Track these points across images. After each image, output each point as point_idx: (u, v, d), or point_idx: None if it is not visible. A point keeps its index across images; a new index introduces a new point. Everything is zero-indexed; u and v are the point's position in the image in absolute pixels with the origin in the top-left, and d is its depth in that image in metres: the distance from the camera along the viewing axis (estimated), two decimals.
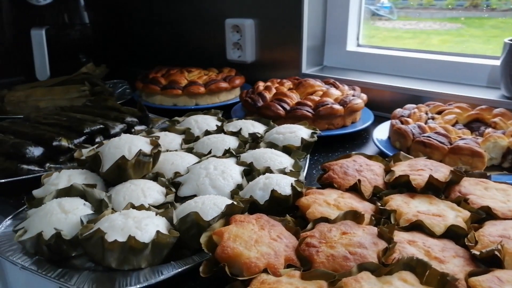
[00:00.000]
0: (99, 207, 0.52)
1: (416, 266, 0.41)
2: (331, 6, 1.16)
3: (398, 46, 1.15)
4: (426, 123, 0.78)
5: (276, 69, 1.20)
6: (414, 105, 0.85)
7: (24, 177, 0.66)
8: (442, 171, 0.59)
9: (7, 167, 0.66)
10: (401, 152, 0.66)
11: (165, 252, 0.46)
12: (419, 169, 0.60)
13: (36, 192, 0.57)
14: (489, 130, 0.73)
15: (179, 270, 0.45)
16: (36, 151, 0.68)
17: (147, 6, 1.46)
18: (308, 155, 0.73)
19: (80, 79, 1.11)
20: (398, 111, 0.83)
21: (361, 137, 0.88)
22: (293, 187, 0.54)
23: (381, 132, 0.83)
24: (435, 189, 0.57)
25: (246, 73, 1.22)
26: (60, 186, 0.56)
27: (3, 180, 0.65)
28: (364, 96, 0.92)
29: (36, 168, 0.67)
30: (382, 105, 1.02)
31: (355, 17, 1.18)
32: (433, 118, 0.80)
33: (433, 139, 0.68)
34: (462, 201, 0.53)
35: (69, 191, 0.54)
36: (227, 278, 0.41)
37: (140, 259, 0.45)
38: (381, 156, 0.66)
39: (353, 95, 0.90)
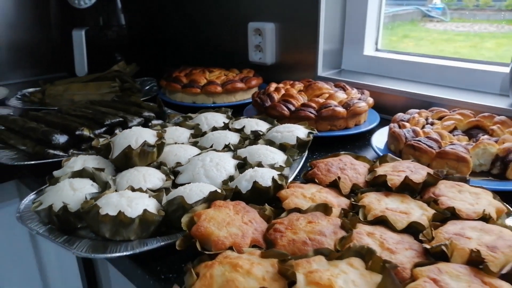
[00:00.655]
0: (104, 188, 0.60)
1: (365, 254, 0.45)
2: (350, 11, 1.19)
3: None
4: (423, 127, 0.80)
5: (294, 71, 1.25)
6: (416, 110, 0.87)
7: (50, 160, 0.75)
8: (421, 173, 0.62)
9: (37, 151, 0.77)
10: (389, 154, 0.69)
11: (152, 228, 0.54)
12: (400, 170, 0.63)
13: (55, 173, 0.66)
14: (485, 137, 0.74)
15: (162, 243, 0.52)
16: (61, 138, 0.78)
17: (178, 10, 1.56)
18: (306, 154, 0.78)
19: (112, 76, 1.22)
20: (399, 115, 0.85)
21: (364, 139, 0.91)
22: (273, 180, 0.60)
23: (383, 135, 0.86)
24: (411, 189, 0.60)
25: (266, 74, 1.29)
26: (75, 168, 0.65)
27: (33, 162, 0.75)
28: (370, 100, 0.95)
29: (61, 153, 0.77)
30: (395, 110, 1.03)
31: (374, 22, 1.20)
32: (432, 124, 0.82)
33: (423, 143, 0.71)
34: (432, 202, 0.56)
35: (81, 173, 0.63)
36: (198, 252, 0.47)
37: (129, 232, 0.52)
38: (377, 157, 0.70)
39: (359, 99, 0.94)
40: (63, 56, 1.44)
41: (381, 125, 0.93)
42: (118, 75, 1.22)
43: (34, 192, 0.65)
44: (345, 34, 1.22)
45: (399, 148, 0.76)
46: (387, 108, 1.06)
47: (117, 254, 0.50)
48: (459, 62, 1.06)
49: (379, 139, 0.84)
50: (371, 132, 0.90)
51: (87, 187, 0.59)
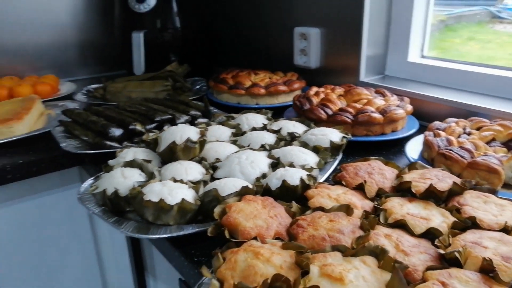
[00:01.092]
0: (150, 177, 0.68)
1: (379, 253, 0.49)
2: (395, 17, 1.20)
3: None
4: (458, 137, 0.80)
5: (337, 75, 1.28)
6: (455, 119, 0.87)
7: (106, 150, 0.85)
8: (448, 182, 0.63)
9: (96, 142, 0.87)
10: (419, 161, 0.71)
11: (189, 216, 0.60)
12: (427, 178, 0.65)
13: (110, 162, 0.75)
14: None
15: (196, 229, 0.58)
16: (117, 131, 0.87)
17: (229, 14, 1.64)
18: (339, 156, 0.82)
19: (165, 75, 1.31)
20: (435, 123, 0.86)
21: (401, 145, 0.92)
22: (301, 180, 0.64)
23: (419, 142, 0.87)
24: (436, 197, 0.62)
25: (310, 78, 1.33)
26: (126, 159, 0.73)
27: (92, 151, 0.85)
28: (409, 107, 0.96)
29: (116, 145, 0.86)
30: (437, 118, 1.02)
31: (420, 28, 1.19)
32: (469, 134, 0.82)
33: (454, 152, 0.72)
34: (454, 210, 0.57)
35: (131, 163, 0.71)
36: (226, 239, 0.53)
37: (169, 217, 0.59)
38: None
39: (398, 106, 0.95)
40: (124, 55, 1.56)
41: (420, 132, 0.93)
42: (171, 75, 1.31)
43: (92, 178, 0.75)
44: (390, 40, 1.23)
45: (431, 156, 0.77)
46: (429, 116, 1.05)
47: (157, 236, 0.57)
48: (508, 71, 1.04)
49: (415, 146, 0.85)
50: (408, 138, 0.91)
51: (135, 176, 0.67)
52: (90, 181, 0.74)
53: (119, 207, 0.64)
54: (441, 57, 1.19)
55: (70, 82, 1.49)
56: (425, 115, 1.06)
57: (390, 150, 0.91)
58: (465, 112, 0.98)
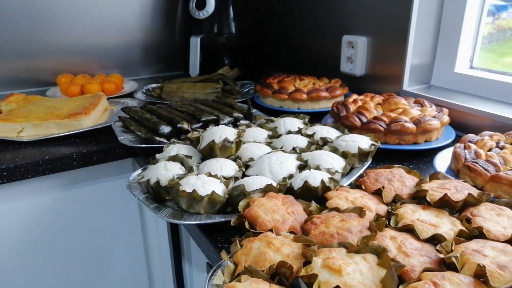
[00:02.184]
0: (189, 171, 0.77)
1: (380, 252, 0.53)
2: (444, 26, 1.19)
3: None
4: (490, 150, 0.81)
5: (381, 83, 1.30)
6: (490, 132, 0.87)
7: (156, 145, 0.96)
8: (464, 193, 0.65)
9: (148, 138, 0.98)
10: (441, 172, 0.73)
11: (218, 207, 0.68)
12: (445, 188, 0.67)
13: (157, 156, 0.85)
14: None
15: (222, 219, 0.66)
16: (166, 129, 0.97)
17: (280, 21, 1.71)
18: (368, 162, 0.85)
19: (216, 78, 1.41)
20: (469, 136, 0.87)
21: (433, 155, 0.93)
22: (322, 182, 0.70)
23: (451, 154, 0.88)
24: (451, 207, 0.64)
25: (355, 85, 1.36)
26: (171, 154, 0.83)
27: (144, 146, 0.97)
28: (445, 118, 0.97)
29: (165, 141, 0.97)
30: (480, 130, 1.02)
31: (470, 38, 1.18)
32: (502, 148, 0.82)
33: (479, 165, 0.73)
34: (464, 220, 0.60)
35: (174, 158, 0.81)
36: (246, 229, 0.60)
37: (200, 207, 0.67)
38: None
39: (434, 116, 0.96)
40: (182, 57, 1.69)
41: (455, 143, 0.94)
42: (222, 78, 1.41)
43: (141, 169, 0.85)
44: (438, 49, 1.23)
45: (457, 167, 0.78)
46: (471, 128, 1.05)
47: (188, 222, 0.65)
48: None
49: (446, 157, 0.87)
50: (441, 149, 0.92)
51: (176, 169, 0.76)
52: (138, 171, 0.85)
53: (160, 195, 0.74)
54: (490, 69, 1.17)
55: (133, 81, 1.64)
56: (467, 127, 1.06)
57: (422, 159, 0.93)
58: (508, 126, 0.96)
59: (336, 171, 0.77)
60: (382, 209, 0.66)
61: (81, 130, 1.11)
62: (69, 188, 1.09)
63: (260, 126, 1.01)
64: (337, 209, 0.64)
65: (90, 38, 1.67)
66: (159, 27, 1.80)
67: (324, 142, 0.90)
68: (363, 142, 0.86)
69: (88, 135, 1.12)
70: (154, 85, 1.50)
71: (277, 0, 1.72)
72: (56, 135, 1.09)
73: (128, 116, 1.09)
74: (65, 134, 1.10)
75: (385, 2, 1.22)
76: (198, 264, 0.87)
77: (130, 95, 1.45)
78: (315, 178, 0.71)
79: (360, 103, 1.05)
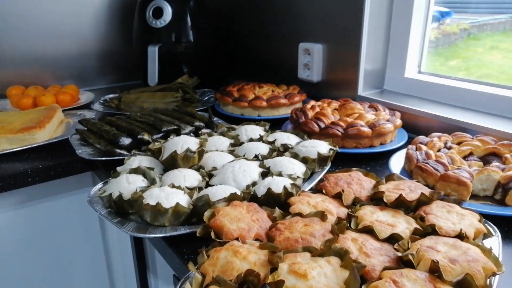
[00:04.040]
0: (152, 183, 0.76)
1: (343, 254, 0.55)
2: (393, 33, 1.26)
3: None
4: (439, 151, 0.86)
5: (338, 89, 1.34)
6: (438, 134, 0.93)
7: (117, 157, 0.94)
8: (418, 193, 0.69)
9: (108, 150, 0.96)
10: (396, 173, 0.77)
11: (183, 218, 0.68)
12: (400, 188, 0.71)
13: (118, 168, 0.83)
14: (496, 164, 0.79)
15: (188, 230, 0.66)
16: (126, 140, 0.96)
17: (239, 29, 1.74)
18: (328, 167, 0.88)
19: (176, 87, 1.40)
20: (419, 138, 0.92)
21: (388, 157, 0.98)
22: (284, 188, 0.71)
23: (404, 155, 0.93)
24: (406, 206, 0.68)
25: (312, 91, 1.40)
26: (132, 166, 0.82)
27: (103, 158, 0.95)
28: (398, 122, 1.02)
29: (125, 153, 0.95)
30: (429, 132, 1.06)
31: (417, 45, 1.25)
32: (450, 148, 0.88)
33: (430, 165, 0.78)
34: (418, 218, 0.64)
35: (136, 170, 0.80)
36: (212, 239, 0.61)
37: (164, 219, 0.67)
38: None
39: (388, 120, 1.01)
40: (140, 66, 1.67)
41: (408, 145, 0.99)
42: (181, 87, 1.40)
43: (101, 182, 0.84)
44: (388, 55, 1.29)
45: (410, 168, 0.83)
46: (421, 130, 1.11)
47: (153, 235, 0.65)
48: (500, 89, 1.08)
49: (400, 159, 0.91)
50: (395, 151, 0.97)
51: (139, 182, 0.75)
52: (99, 185, 0.83)
53: (123, 209, 0.72)
54: (437, 73, 1.25)
55: (89, 92, 1.60)
56: (418, 129, 1.12)
57: (378, 162, 0.97)
58: (454, 127, 1.03)
59: (298, 177, 0.79)
60: (343, 212, 0.69)
61: (35, 145, 1.07)
62: (25, 205, 1.05)
63: (222, 134, 1.01)
64: (300, 214, 0.66)
65: (42, 48, 1.61)
66: (114, 35, 1.77)
67: (285, 149, 0.93)
68: (322, 147, 0.89)
69: (44, 150, 1.08)
70: (111, 96, 1.47)
71: (235, 9, 1.74)
72: (8, 151, 1.04)
73: (86, 129, 1.06)
74: (19, 149, 1.05)
75: (338, 10, 1.27)
76: (164, 276, 0.87)
77: (87, 106, 1.41)
78: (277, 184, 0.73)
79: (318, 109, 1.08)
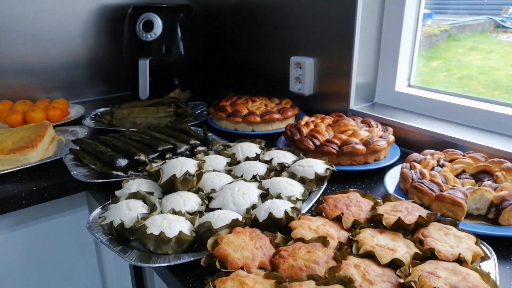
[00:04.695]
0: (152, 209, 0.76)
1: (347, 282, 0.57)
2: (383, 48, 1.28)
3: None
4: (432, 169, 0.88)
5: (330, 102, 1.36)
6: (431, 151, 0.95)
7: (113, 179, 0.93)
8: (415, 215, 0.71)
9: (104, 172, 0.95)
10: (393, 194, 0.79)
11: (185, 245, 0.68)
12: (397, 210, 0.73)
13: (117, 193, 0.83)
14: (487, 182, 0.81)
15: (192, 259, 0.66)
16: (123, 162, 0.95)
17: (230, 42, 1.74)
18: (324, 186, 0.90)
19: (168, 102, 1.40)
20: (413, 155, 0.94)
21: (382, 173, 1.00)
22: (286, 212, 0.72)
23: (398, 172, 0.95)
24: (404, 228, 0.70)
25: (304, 104, 1.42)
26: (131, 190, 0.82)
27: (100, 180, 0.94)
28: (391, 138, 1.04)
29: (122, 174, 0.95)
30: (420, 147, 1.10)
31: (407, 59, 1.28)
32: (443, 166, 0.90)
33: (425, 185, 0.80)
34: (417, 242, 0.65)
35: (135, 195, 0.80)
36: (216, 269, 0.61)
37: (168, 247, 0.67)
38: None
39: (381, 136, 1.03)
40: (130, 78, 1.66)
41: (401, 160, 1.01)
42: (174, 101, 1.40)
43: (100, 207, 0.83)
44: (379, 69, 1.31)
45: (406, 187, 0.85)
46: (412, 145, 1.14)
47: (157, 265, 0.65)
48: (489, 104, 1.10)
49: (394, 176, 0.93)
50: (389, 167, 0.99)
51: (139, 208, 0.75)
52: (98, 210, 0.82)
53: (124, 237, 0.72)
54: (426, 87, 1.27)
55: (78, 105, 1.58)
56: (409, 143, 1.15)
57: (373, 178, 0.99)
58: (444, 142, 1.06)
59: (297, 199, 0.80)
60: (343, 235, 0.70)
61: (28, 166, 1.05)
62: (18, 228, 1.03)
63: (218, 153, 1.02)
64: (302, 239, 0.67)
65: (30, 59, 1.58)
66: (103, 46, 1.75)
67: (282, 168, 0.94)
68: (319, 166, 0.90)
69: (36, 170, 1.06)
70: (102, 110, 1.46)
71: (225, 22, 1.75)
72: (0, 172, 1.03)
73: (80, 148, 1.05)
74: (11, 170, 1.04)
75: (329, 24, 1.29)
76: None
77: (78, 121, 1.40)
78: (278, 208, 0.74)
79: (312, 126, 1.10)
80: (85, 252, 1.15)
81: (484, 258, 0.64)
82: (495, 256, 0.65)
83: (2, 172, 1.03)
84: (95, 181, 0.94)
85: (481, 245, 0.66)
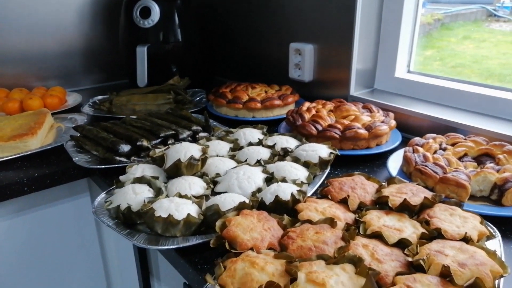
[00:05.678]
0: (158, 193, 0.76)
1: (356, 262, 0.57)
2: (383, 35, 1.28)
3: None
4: (435, 153, 0.89)
5: (330, 89, 1.36)
6: (433, 135, 0.96)
7: (116, 165, 0.93)
8: (420, 196, 0.72)
9: (106, 157, 0.95)
10: (397, 176, 0.80)
11: (193, 228, 0.69)
12: (402, 192, 0.74)
13: (121, 178, 0.83)
14: (490, 165, 0.82)
15: (200, 241, 0.67)
16: (125, 147, 0.95)
17: (228, 29, 1.73)
18: (327, 170, 0.90)
19: (167, 89, 1.39)
20: (415, 139, 0.95)
21: (385, 158, 1.00)
22: (292, 195, 0.73)
23: (401, 156, 0.95)
24: (409, 210, 0.70)
25: (304, 90, 1.42)
26: (136, 175, 0.82)
27: (103, 166, 0.94)
28: (392, 123, 1.05)
29: (125, 160, 0.95)
30: (420, 131, 1.11)
31: (406, 45, 1.28)
32: (445, 149, 0.91)
33: (429, 168, 0.81)
34: (423, 222, 0.66)
35: (141, 179, 0.80)
36: (226, 250, 0.62)
37: (176, 230, 0.67)
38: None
39: (383, 121, 1.04)
40: (127, 66, 1.64)
41: (403, 144, 1.02)
42: (173, 88, 1.39)
43: (104, 192, 0.83)
44: (379, 55, 1.31)
45: (409, 170, 0.86)
46: (413, 130, 1.14)
47: (166, 247, 0.65)
48: (487, 88, 1.11)
49: (396, 160, 0.94)
50: (391, 151, 0.99)
51: (145, 192, 0.75)
52: (102, 195, 0.82)
53: (131, 220, 0.72)
54: (425, 72, 1.28)
55: (75, 93, 1.56)
56: (409, 128, 1.15)
57: (375, 162, 1.00)
58: (445, 127, 1.06)
59: (302, 182, 0.80)
60: (350, 217, 0.71)
61: (29, 152, 1.04)
62: (20, 214, 1.03)
63: (220, 138, 1.02)
64: (309, 221, 0.67)
65: (25, 47, 1.56)
66: (99, 34, 1.73)
67: (285, 153, 0.94)
68: (323, 151, 0.90)
69: (37, 157, 1.06)
70: (100, 97, 1.45)
71: (224, 8, 1.73)
72: (0, 160, 1.02)
73: (81, 135, 1.05)
74: (11, 157, 1.03)
75: (329, 11, 1.28)
76: (171, 283, 0.87)
77: (76, 109, 1.39)
78: (284, 191, 0.74)
79: (313, 111, 1.10)
80: (87, 238, 1.15)
81: (490, 237, 0.64)
82: (499, 235, 0.66)
83: (3, 159, 1.02)
84: (98, 167, 0.93)
85: (486, 225, 0.67)
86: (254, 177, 0.80)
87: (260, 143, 0.98)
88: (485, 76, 1.18)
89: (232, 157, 0.93)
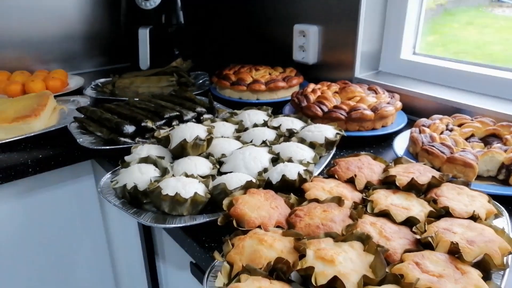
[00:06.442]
0: (164, 173, 0.76)
1: (365, 239, 0.57)
2: (389, 16, 1.26)
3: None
4: (441, 133, 0.88)
5: (334, 71, 1.35)
6: (440, 116, 0.95)
7: (121, 146, 0.93)
8: (428, 176, 0.72)
9: (111, 138, 0.94)
10: (404, 156, 0.79)
11: (200, 207, 0.69)
12: (410, 172, 0.73)
13: (126, 158, 0.82)
14: (497, 145, 0.82)
15: (207, 219, 0.67)
16: (130, 128, 0.95)
17: (231, 11, 1.70)
18: (333, 151, 0.90)
19: (170, 71, 1.38)
20: (422, 120, 0.94)
21: (390, 139, 1.00)
22: (299, 174, 0.72)
23: (407, 137, 0.95)
24: (417, 189, 0.70)
25: (308, 73, 1.40)
26: (141, 155, 0.81)
27: (107, 147, 0.93)
28: (398, 104, 1.04)
29: (129, 141, 0.94)
30: (426, 113, 1.10)
31: (412, 26, 1.26)
32: (451, 130, 0.90)
33: (436, 148, 0.80)
34: (431, 201, 0.66)
35: (146, 159, 0.79)
36: (234, 228, 0.62)
37: (183, 209, 0.67)
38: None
39: (388, 102, 1.03)
40: (129, 49, 1.62)
41: (408, 126, 1.01)
42: (176, 71, 1.38)
43: (109, 173, 0.83)
44: (384, 37, 1.30)
45: (416, 151, 0.85)
46: (418, 111, 1.14)
47: (173, 225, 0.65)
48: (493, 70, 1.10)
49: (403, 141, 0.94)
50: (397, 133, 0.99)
51: (151, 171, 0.75)
52: (108, 175, 0.82)
53: (137, 200, 0.72)
54: (431, 54, 1.26)
55: (77, 76, 1.55)
56: (415, 110, 1.15)
57: (381, 144, 0.99)
58: (451, 108, 1.06)
59: (308, 162, 0.80)
60: (357, 196, 0.70)
61: (32, 134, 1.04)
62: (24, 196, 1.03)
63: (225, 120, 1.01)
64: (316, 200, 0.67)
65: (26, 30, 1.54)
66: (100, 16, 1.70)
67: (291, 134, 0.93)
68: (328, 131, 0.90)
69: (41, 139, 1.05)
70: (103, 80, 1.44)
71: None
72: (4, 141, 1.01)
73: (84, 116, 1.04)
74: (15, 139, 1.02)
75: None
76: (177, 262, 0.87)
77: (79, 91, 1.38)
78: (291, 171, 0.74)
79: (319, 93, 1.09)
80: (91, 220, 1.16)
81: (497, 215, 0.64)
82: (507, 214, 0.66)
83: (7, 141, 1.01)
84: (103, 147, 0.93)
85: (494, 204, 0.67)
86: (260, 158, 0.80)
87: (265, 124, 0.98)
88: (488, 62, 1.17)
89: (237, 138, 0.92)
